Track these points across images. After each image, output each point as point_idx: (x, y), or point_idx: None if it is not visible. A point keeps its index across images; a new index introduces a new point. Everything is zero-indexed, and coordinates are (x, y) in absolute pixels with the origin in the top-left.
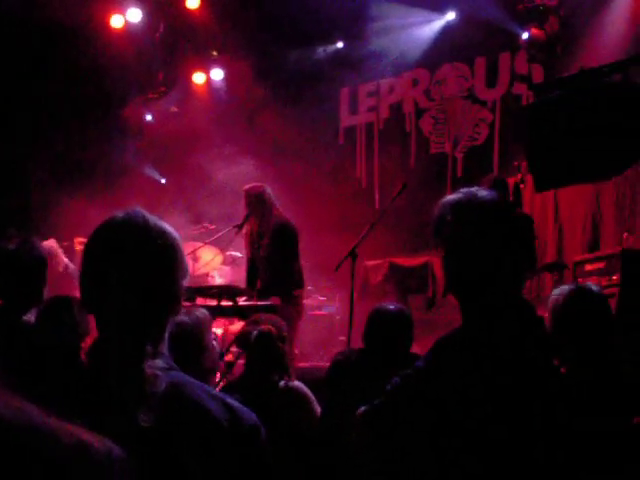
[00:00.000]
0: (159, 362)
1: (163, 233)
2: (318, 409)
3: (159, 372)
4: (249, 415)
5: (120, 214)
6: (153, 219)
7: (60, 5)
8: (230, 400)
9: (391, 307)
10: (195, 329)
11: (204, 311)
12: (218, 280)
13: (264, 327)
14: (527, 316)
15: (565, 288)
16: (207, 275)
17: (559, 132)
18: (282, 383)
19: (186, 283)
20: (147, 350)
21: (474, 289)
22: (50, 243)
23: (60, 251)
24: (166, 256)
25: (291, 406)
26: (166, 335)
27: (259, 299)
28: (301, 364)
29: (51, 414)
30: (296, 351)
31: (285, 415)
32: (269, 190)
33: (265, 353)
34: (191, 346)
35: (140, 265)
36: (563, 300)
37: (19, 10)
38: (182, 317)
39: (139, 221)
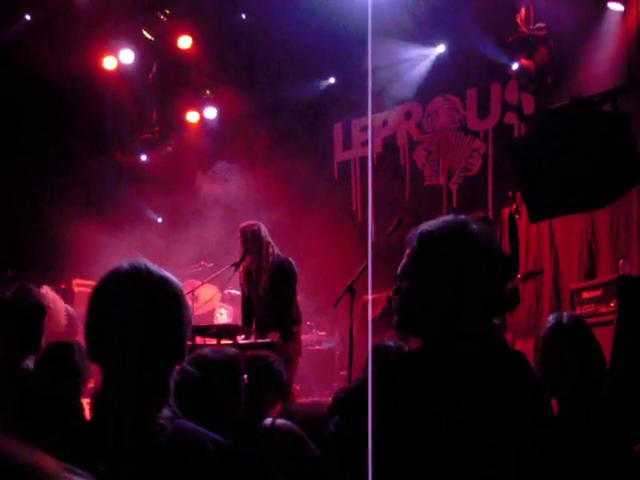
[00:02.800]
0: (164, 411)
1: (167, 284)
2: (311, 445)
3: (164, 421)
4: (254, 461)
5: (125, 266)
6: (156, 270)
7: (52, 48)
8: (235, 446)
9: (390, 344)
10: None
11: (234, 350)
12: (224, 319)
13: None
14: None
15: (549, 320)
16: (213, 313)
17: (550, 162)
18: (268, 421)
19: (190, 330)
20: (152, 399)
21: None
22: (45, 291)
23: (57, 297)
24: (170, 307)
25: (277, 444)
26: (171, 383)
27: (258, 337)
28: (302, 400)
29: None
30: (297, 387)
31: (272, 453)
32: (264, 228)
33: (251, 396)
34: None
35: (145, 317)
36: (545, 333)
37: (10, 54)
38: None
39: (143, 273)
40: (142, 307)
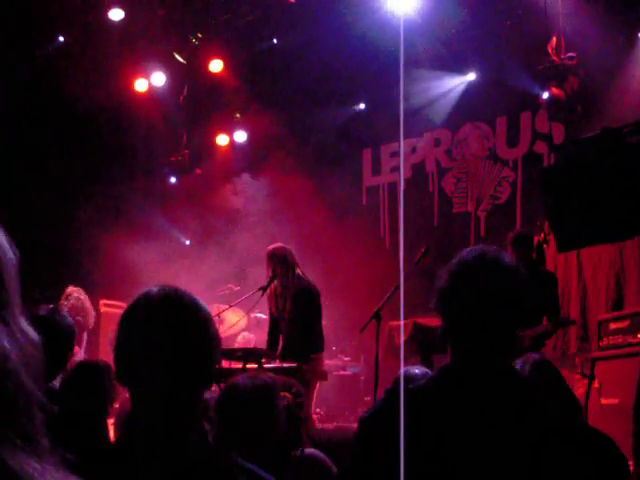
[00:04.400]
0: (192, 435)
1: (197, 308)
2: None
3: (194, 447)
4: None
5: (155, 289)
6: (187, 294)
7: (85, 70)
8: (262, 473)
9: (417, 371)
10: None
11: (271, 375)
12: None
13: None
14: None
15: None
16: (235, 337)
17: (579, 192)
18: (297, 452)
19: (219, 354)
20: (182, 424)
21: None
22: (70, 290)
23: (83, 297)
24: (200, 331)
25: (308, 474)
26: (199, 407)
27: (282, 361)
28: (326, 425)
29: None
30: (320, 411)
31: None
32: (291, 251)
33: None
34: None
35: (175, 341)
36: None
37: (44, 75)
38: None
39: (173, 297)
40: (172, 331)
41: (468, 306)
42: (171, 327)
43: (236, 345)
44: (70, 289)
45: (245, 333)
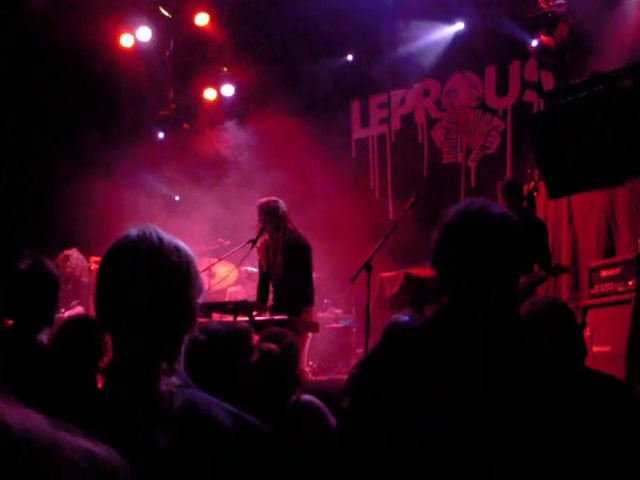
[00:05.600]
0: (174, 379)
1: (177, 250)
2: (333, 421)
3: (174, 389)
4: (265, 431)
5: (133, 232)
6: (166, 236)
7: (70, 27)
8: (247, 416)
9: (406, 318)
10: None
11: (244, 327)
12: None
13: (265, 346)
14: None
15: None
16: (225, 291)
17: (570, 139)
18: (292, 398)
19: (201, 300)
20: (162, 368)
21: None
22: (70, 252)
23: (82, 258)
24: (180, 273)
25: (304, 421)
26: (182, 352)
27: (273, 314)
28: (319, 377)
29: (57, 425)
30: (312, 364)
31: (298, 430)
32: (283, 204)
33: (269, 373)
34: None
35: (154, 283)
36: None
37: (27, 31)
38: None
39: (153, 239)
40: (150, 273)
41: (458, 260)
42: (149, 268)
43: (227, 298)
44: (67, 252)
45: (234, 287)
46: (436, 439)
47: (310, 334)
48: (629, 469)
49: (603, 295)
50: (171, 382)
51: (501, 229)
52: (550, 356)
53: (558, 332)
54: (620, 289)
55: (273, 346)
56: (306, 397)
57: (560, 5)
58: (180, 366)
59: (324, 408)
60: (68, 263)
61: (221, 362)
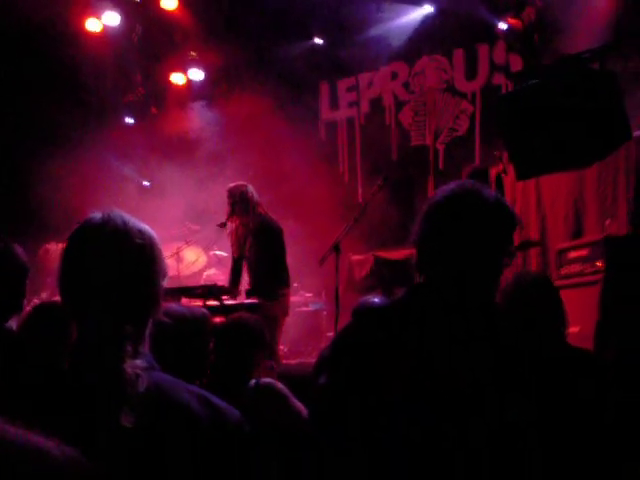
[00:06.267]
0: (140, 362)
1: (141, 233)
2: (297, 404)
3: (140, 372)
4: (232, 412)
5: (98, 215)
6: (131, 220)
7: (36, 10)
8: (213, 398)
9: (376, 300)
10: (190, 327)
11: (203, 310)
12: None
13: (225, 330)
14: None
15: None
16: (199, 274)
17: (538, 120)
18: (252, 382)
19: (166, 283)
20: (127, 350)
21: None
22: (50, 246)
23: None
24: (145, 256)
25: (264, 404)
26: (146, 335)
27: (248, 297)
28: (289, 361)
29: (8, 423)
30: (283, 348)
31: (258, 414)
32: (252, 189)
33: (232, 356)
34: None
35: (119, 266)
36: (506, 290)
37: None
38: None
39: (117, 222)
40: (115, 256)
41: (440, 241)
42: (112, 251)
43: (199, 283)
44: (48, 246)
45: (210, 270)
46: (411, 418)
47: (284, 317)
48: (610, 440)
49: (571, 276)
50: (136, 365)
51: (490, 214)
52: (531, 336)
53: (546, 306)
54: (588, 270)
55: (232, 332)
56: (266, 380)
57: None
58: (145, 349)
59: (285, 391)
60: (48, 256)
61: (184, 345)
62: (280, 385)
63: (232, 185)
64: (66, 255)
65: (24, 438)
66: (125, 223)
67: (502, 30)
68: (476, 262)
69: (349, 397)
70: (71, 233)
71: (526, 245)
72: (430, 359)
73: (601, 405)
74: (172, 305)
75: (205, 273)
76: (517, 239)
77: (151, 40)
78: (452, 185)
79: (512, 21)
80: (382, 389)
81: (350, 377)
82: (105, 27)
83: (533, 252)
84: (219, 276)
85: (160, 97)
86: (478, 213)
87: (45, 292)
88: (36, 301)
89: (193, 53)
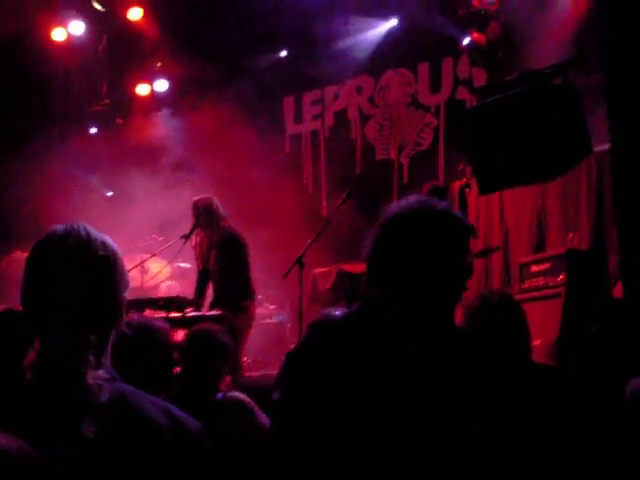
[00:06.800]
0: (102, 373)
1: (104, 245)
2: (263, 418)
3: (102, 382)
4: (194, 423)
5: (60, 227)
6: (94, 232)
7: (2, 19)
8: (174, 409)
9: (337, 312)
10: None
11: (164, 322)
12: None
13: (189, 344)
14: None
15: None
16: (157, 286)
17: (501, 135)
18: (219, 395)
19: (128, 295)
20: (90, 361)
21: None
22: (17, 255)
23: None
24: (108, 268)
25: (230, 418)
26: (109, 347)
27: (211, 309)
28: (253, 373)
29: None
30: (246, 359)
31: (226, 426)
32: (217, 202)
33: (197, 368)
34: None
35: (82, 278)
36: (471, 309)
37: None
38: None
39: (80, 234)
40: (78, 268)
41: (393, 256)
42: (76, 263)
43: (160, 295)
44: (13, 255)
45: (168, 282)
46: (369, 428)
47: (248, 330)
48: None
49: (534, 289)
50: (99, 375)
51: (440, 228)
52: (495, 353)
53: (511, 325)
54: (550, 283)
55: (197, 344)
56: (233, 394)
57: (492, 3)
58: (107, 360)
59: (252, 404)
60: (14, 265)
61: (146, 356)
62: (247, 399)
63: (197, 198)
64: (29, 267)
65: None
66: (88, 235)
67: (466, 45)
68: (427, 279)
69: (308, 408)
70: (34, 245)
71: (486, 252)
72: (382, 372)
73: (561, 420)
74: (134, 317)
75: (164, 284)
76: (478, 248)
77: (117, 50)
78: (403, 201)
79: (476, 36)
80: (340, 399)
81: (308, 388)
82: (71, 36)
83: (496, 266)
84: (177, 288)
85: (125, 107)
86: (426, 228)
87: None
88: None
89: (159, 64)
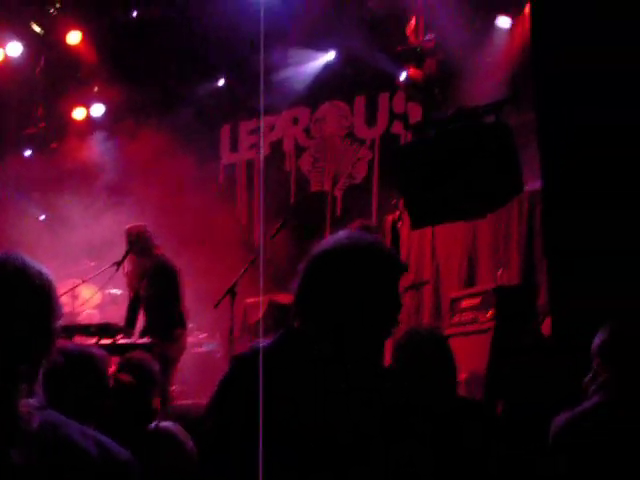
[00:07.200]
0: (33, 401)
1: (40, 274)
2: (194, 448)
3: (33, 410)
4: (122, 452)
5: None
6: (29, 261)
7: None
8: (104, 439)
9: (261, 345)
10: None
11: (99, 350)
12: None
13: (122, 377)
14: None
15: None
16: (85, 312)
17: (433, 171)
18: (151, 426)
19: (61, 323)
20: (21, 389)
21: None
22: None
23: None
24: (43, 297)
25: (161, 448)
26: (40, 375)
27: (142, 337)
28: (182, 402)
29: None
30: (175, 388)
31: (156, 457)
32: (149, 230)
33: (126, 403)
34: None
35: (17, 306)
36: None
37: None
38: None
39: (16, 262)
40: (13, 297)
41: (320, 291)
42: (11, 292)
43: (80, 322)
44: None
45: (89, 310)
46: (282, 463)
47: (178, 358)
48: None
49: (464, 324)
50: (30, 403)
51: (373, 264)
52: (423, 388)
53: (439, 361)
54: (480, 319)
55: (127, 377)
56: (165, 424)
57: (429, 40)
58: (39, 388)
59: (183, 434)
60: None
61: (78, 386)
62: (179, 429)
63: (130, 225)
64: None
65: None
66: (24, 264)
67: (402, 81)
68: (356, 314)
69: (231, 439)
70: None
71: (417, 286)
72: (301, 407)
73: (487, 453)
74: (67, 344)
75: (85, 312)
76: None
77: (54, 73)
78: (333, 236)
79: (412, 72)
80: (258, 432)
81: (230, 420)
82: (8, 58)
83: (427, 300)
84: (97, 317)
85: (61, 131)
86: (355, 263)
87: None
88: None
89: (96, 88)
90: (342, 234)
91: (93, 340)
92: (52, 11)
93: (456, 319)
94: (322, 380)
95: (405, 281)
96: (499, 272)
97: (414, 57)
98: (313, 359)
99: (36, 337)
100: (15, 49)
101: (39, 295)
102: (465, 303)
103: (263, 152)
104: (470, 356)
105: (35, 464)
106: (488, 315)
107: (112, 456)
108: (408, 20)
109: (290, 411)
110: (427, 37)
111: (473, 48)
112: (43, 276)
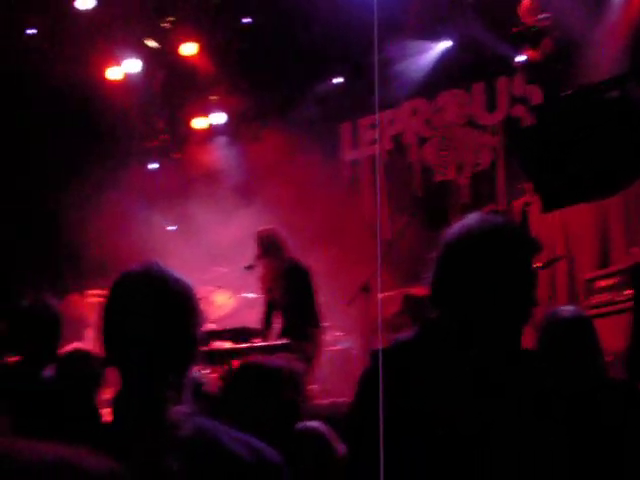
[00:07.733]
0: (183, 408)
1: (179, 284)
2: (340, 447)
3: (184, 417)
4: (274, 455)
5: (137, 267)
6: (169, 271)
7: (58, 61)
8: (254, 441)
9: (400, 339)
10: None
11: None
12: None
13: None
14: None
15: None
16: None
17: (560, 152)
18: (300, 426)
19: (201, 330)
20: (170, 397)
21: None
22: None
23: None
24: (185, 305)
25: (309, 449)
26: (188, 382)
27: (280, 338)
28: (321, 401)
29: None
30: (315, 387)
31: (305, 457)
32: (280, 232)
33: (273, 401)
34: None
35: (162, 316)
36: (544, 326)
37: (17, 68)
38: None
39: (156, 274)
40: (157, 307)
41: (456, 280)
42: (152, 303)
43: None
44: (71, 297)
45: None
46: (422, 454)
47: (315, 357)
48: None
49: (600, 305)
50: (179, 410)
51: (505, 245)
52: (569, 371)
53: (584, 341)
54: (617, 299)
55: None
56: (312, 424)
57: (545, 18)
58: (188, 395)
59: (330, 434)
60: (71, 306)
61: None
62: (324, 428)
63: (261, 229)
64: (108, 308)
65: (56, 452)
66: (165, 273)
67: (520, 62)
68: (491, 297)
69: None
70: (112, 285)
71: (551, 262)
72: (439, 397)
73: (627, 431)
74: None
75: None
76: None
77: (172, 85)
78: (463, 221)
79: (530, 53)
80: (402, 427)
81: (373, 417)
82: (126, 75)
83: (561, 283)
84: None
85: (183, 141)
86: (488, 246)
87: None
88: None
89: (215, 97)
90: (471, 218)
91: (229, 344)
92: (166, 25)
93: (593, 300)
94: (461, 372)
95: (538, 261)
96: (633, 250)
97: (530, 38)
98: (452, 351)
99: (180, 346)
100: (134, 66)
101: (179, 304)
102: (601, 283)
103: (385, 146)
104: (611, 337)
105: (189, 469)
106: (625, 295)
107: (264, 460)
108: (520, 1)
109: (430, 404)
110: (542, 16)
111: (589, 22)
112: (183, 284)
